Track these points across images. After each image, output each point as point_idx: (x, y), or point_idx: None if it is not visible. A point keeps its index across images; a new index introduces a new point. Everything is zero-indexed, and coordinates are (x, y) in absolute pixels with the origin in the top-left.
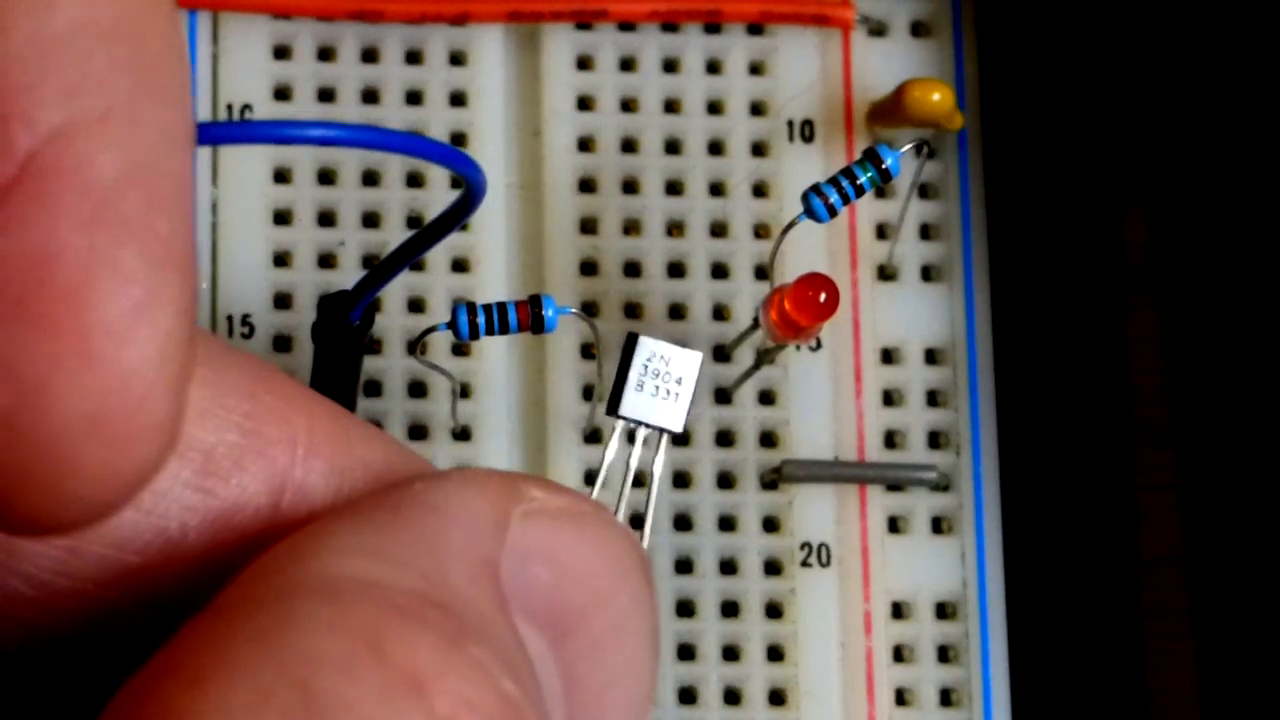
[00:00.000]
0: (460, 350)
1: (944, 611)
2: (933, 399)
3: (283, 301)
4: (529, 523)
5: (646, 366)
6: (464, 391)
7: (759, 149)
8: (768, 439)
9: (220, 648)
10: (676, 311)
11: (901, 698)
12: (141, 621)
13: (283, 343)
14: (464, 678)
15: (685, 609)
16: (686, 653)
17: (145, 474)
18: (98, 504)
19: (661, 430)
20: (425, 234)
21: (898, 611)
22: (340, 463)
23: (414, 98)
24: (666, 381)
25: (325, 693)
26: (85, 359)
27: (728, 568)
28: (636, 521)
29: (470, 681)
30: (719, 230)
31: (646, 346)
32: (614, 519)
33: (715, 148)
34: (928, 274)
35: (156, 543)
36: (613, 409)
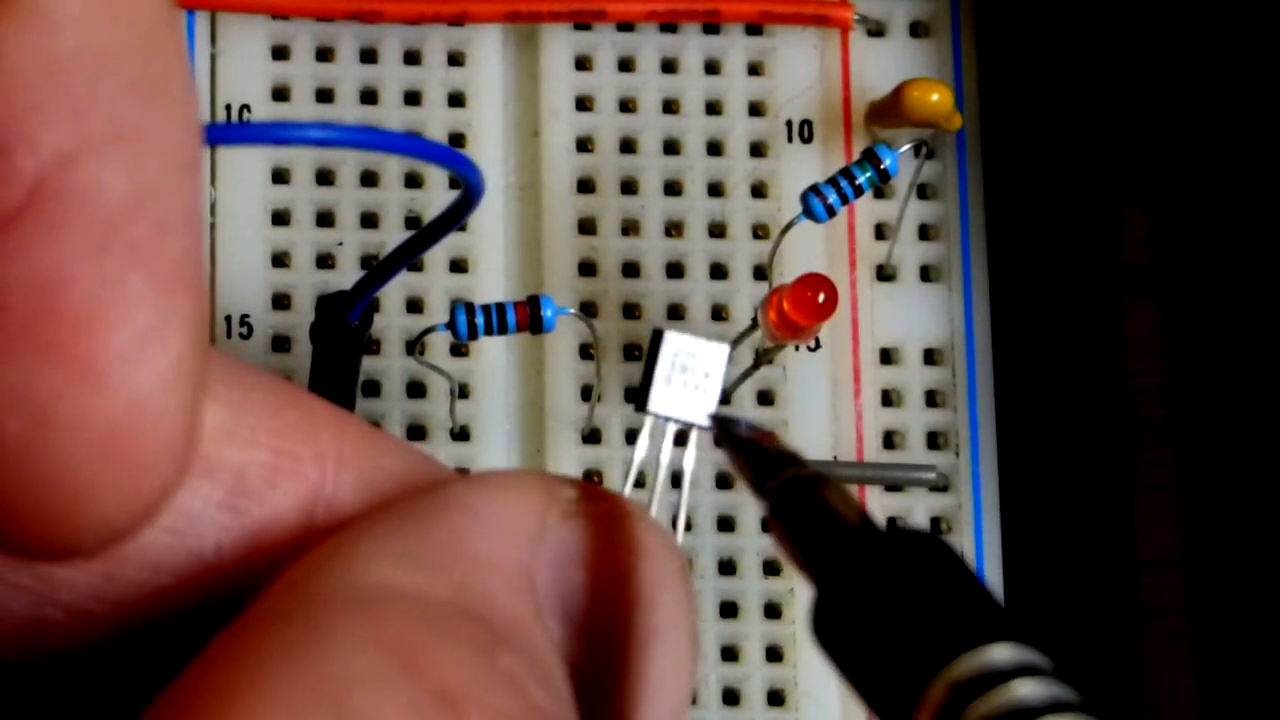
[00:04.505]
0: (459, 350)
1: None
2: (931, 399)
3: (281, 302)
4: (566, 525)
5: (674, 362)
6: (463, 392)
7: (758, 149)
8: None
9: (251, 662)
10: (675, 312)
11: None
12: (179, 642)
13: (281, 343)
14: (496, 690)
15: None
16: None
17: (162, 497)
18: (116, 528)
19: (691, 425)
20: (424, 234)
21: None
22: (369, 476)
23: (412, 98)
24: (694, 376)
25: (358, 710)
26: (96, 386)
27: (727, 568)
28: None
29: (502, 694)
30: (718, 230)
31: (673, 342)
32: (652, 520)
33: (714, 148)
34: (926, 274)
35: (191, 564)
36: (641, 405)
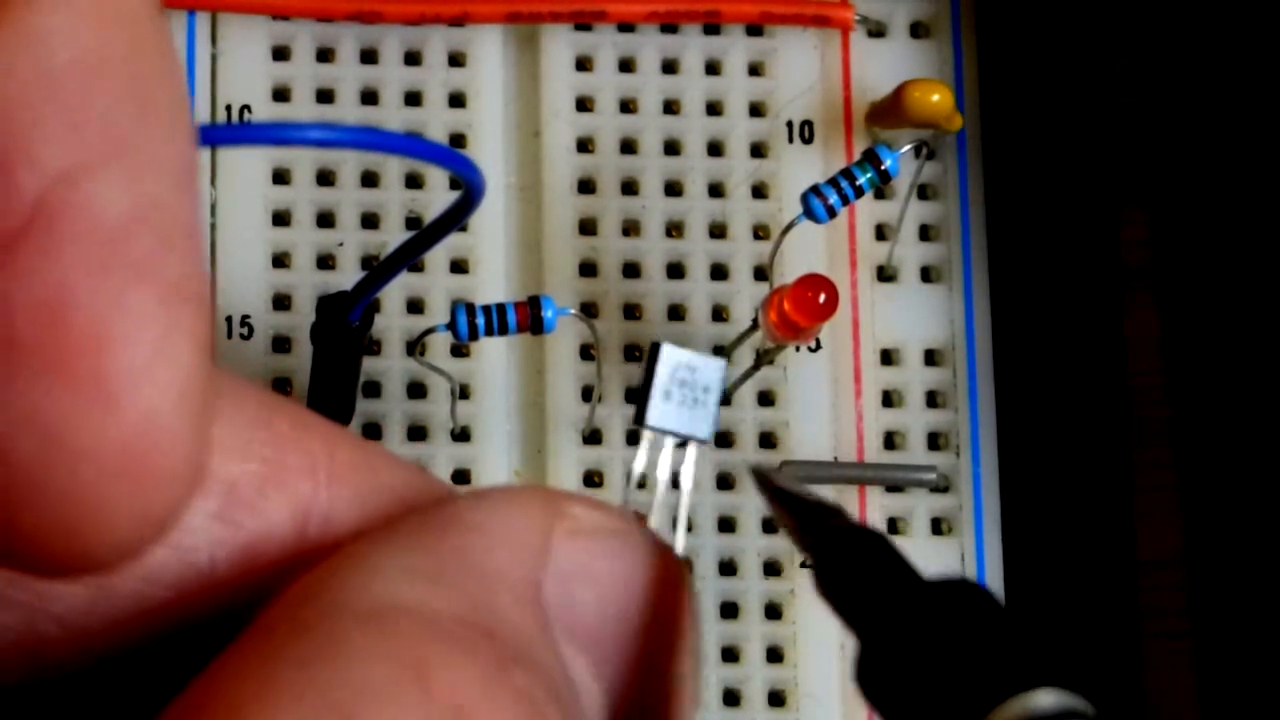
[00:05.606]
0: (459, 351)
1: None
2: (932, 400)
3: (282, 303)
4: (571, 542)
5: (672, 375)
6: (463, 392)
7: (758, 150)
8: (767, 440)
9: (262, 674)
10: (676, 312)
11: None
12: (174, 652)
13: (282, 344)
14: (507, 707)
15: None
16: None
17: (173, 512)
18: (130, 544)
19: (689, 438)
20: (424, 235)
21: None
22: (364, 488)
23: (413, 99)
24: (693, 390)
25: None
26: (106, 405)
27: (727, 568)
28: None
29: (514, 711)
30: (718, 231)
31: (671, 355)
32: (657, 537)
33: (714, 148)
34: (927, 275)
35: (186, 576)
36: (640, 419)
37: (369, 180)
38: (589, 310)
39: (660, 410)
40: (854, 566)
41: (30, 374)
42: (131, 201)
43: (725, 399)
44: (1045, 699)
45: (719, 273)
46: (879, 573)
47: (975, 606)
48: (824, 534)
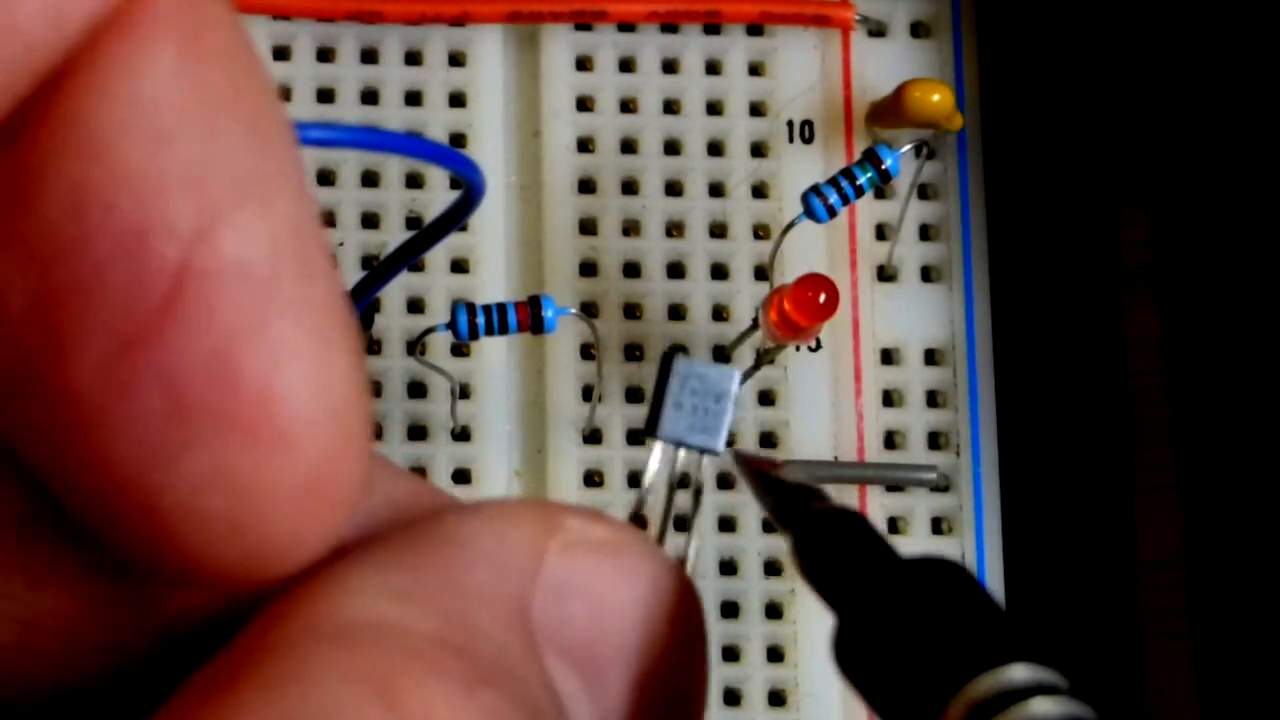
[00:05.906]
0: (460, 351)
1: None
2: (932, 399)
3: None
4: (566, 555)
5: (684, 386)
6: (463, 392)
7: (758, 149)
8: (767, 439)
9: (229, 697)
10: (676, 312)
11: None
12: (163, 668)
13: None
14: None
15: None
16: None
17: (346, 522)
18: (307, 562)
19: (701, 450)
20: (424, 235)
21: None
22: (369, 501)
23: (413, 98)
24: (704, 400)
25: None
26: (285, 453)
27: (727, 568)
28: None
29: None
30: (718, 231)
31: (683, 366)
32: (660, 551)
33: (715, 148)
34: (927, 274)
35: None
36: (651, 430)
37: (369, 180)
38: (589, 310)
39: (671, 421)
40: (833, 545)
41: (206, 436)
42: (272, 240)
43: None
44: (1019, 673)
45: (719, 272)
46: (857, 551)
47: (951, 584)
48: (804, 514)
